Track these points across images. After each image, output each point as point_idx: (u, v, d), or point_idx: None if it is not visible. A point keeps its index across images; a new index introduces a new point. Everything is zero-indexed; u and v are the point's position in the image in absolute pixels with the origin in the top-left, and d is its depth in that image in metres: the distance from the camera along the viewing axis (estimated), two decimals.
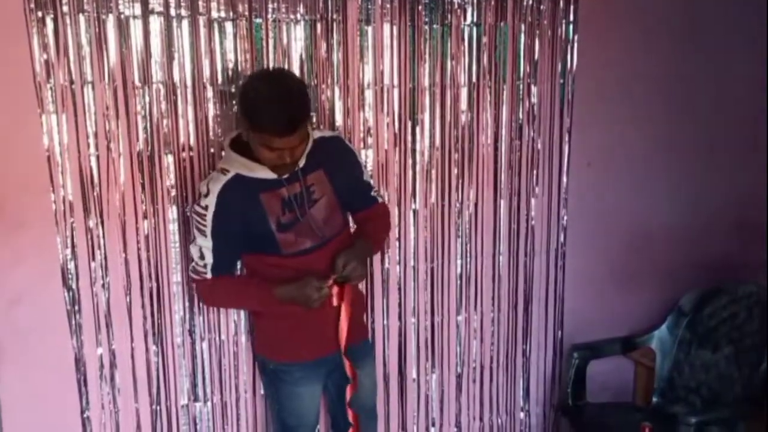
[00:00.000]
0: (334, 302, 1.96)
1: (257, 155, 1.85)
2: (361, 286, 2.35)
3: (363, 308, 2.30)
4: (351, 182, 2.10)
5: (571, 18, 2.55)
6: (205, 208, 1.89)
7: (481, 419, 2.78)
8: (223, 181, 1.88)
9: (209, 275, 1.96)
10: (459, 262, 2.62)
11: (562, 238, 2.74)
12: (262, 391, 2.43)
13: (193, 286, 2.08)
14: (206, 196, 1.89)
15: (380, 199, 2.22)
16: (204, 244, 1.92)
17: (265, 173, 1.88)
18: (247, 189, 1.89)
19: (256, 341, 2.23)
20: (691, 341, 2.66)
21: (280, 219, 1.92)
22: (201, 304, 2.32)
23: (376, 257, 2.46)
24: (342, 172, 2.06)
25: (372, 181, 2.22)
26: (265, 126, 1.75)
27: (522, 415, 2.84)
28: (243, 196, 1.89)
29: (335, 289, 1.95)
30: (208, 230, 1.90)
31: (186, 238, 2.25)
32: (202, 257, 1.94)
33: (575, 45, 2.58)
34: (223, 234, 1.91)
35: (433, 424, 2.72)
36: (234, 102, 2.20)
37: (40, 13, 2.02)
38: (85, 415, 2.29)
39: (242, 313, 2.37)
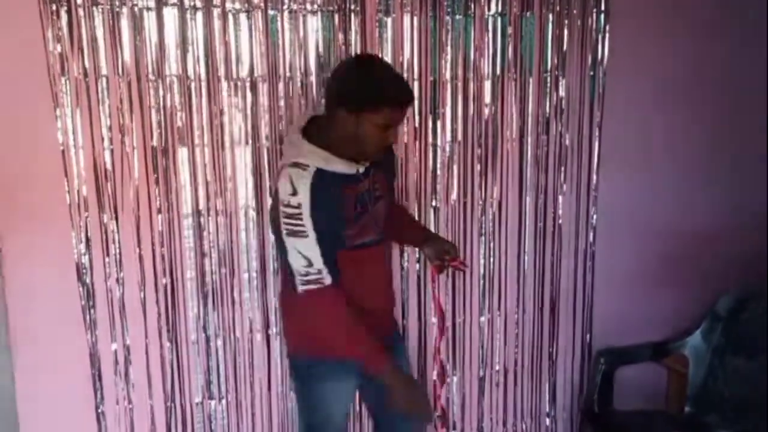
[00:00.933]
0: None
1: (363, 142, 1.80)
2: None
3: (394, 305, 2.23)
4: (392, 186, 2.16)
5: (603, 7, 2.45)
6: (298, 206, 1.76)
7: (504, 424, 2.70)
8: (309, 177, 1.78)
9: (328, 280, 1.79)
10: (482, 261, 2.54)
11: (591, 238, 2.64)
12: (277, 390, 2.41)
13: (310, 299, 1.83)
14: (294, 194, 1.76)
15: None
16: (306, 247, 1.77)
17: (345, 167, 1.83)
18: (330, 183, 1.80)
19: (291, 338, 2.10)
20: (726, 348, 2.54)
21: (354, 213, 1.87)
22: (216, 302, 2.30)
23: (396, 256, 2.41)
24: (392, 175, 2.13)
25: None
26: (390, 98, 1.76)
27: (548, 420, 2.75)
28: (328, 190, 1.80)
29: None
30: (309, 228, 1.76)
31: (199, 235, 2.23)
32: (310, 263, 1.78)
33: (606, 35, 2.47)
34: (320, 231, 1.78)
35: (455, 428, 2.65)
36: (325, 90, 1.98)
37: (54, 6, 2.00)
38: (99, 410, 2.28)
39: (257, 310, 2.34)
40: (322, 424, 2.05)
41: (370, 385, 2.03)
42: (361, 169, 1.87)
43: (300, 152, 1.82)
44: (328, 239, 1.80)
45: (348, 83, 1.79)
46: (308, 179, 1.77)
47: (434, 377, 2.24)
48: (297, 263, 1.78)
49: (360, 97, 1.76)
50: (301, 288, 1.80)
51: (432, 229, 2.44)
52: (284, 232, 1.77)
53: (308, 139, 1.83)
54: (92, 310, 2.22)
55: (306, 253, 1.77)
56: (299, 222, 1.75)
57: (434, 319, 2.51)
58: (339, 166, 1.82)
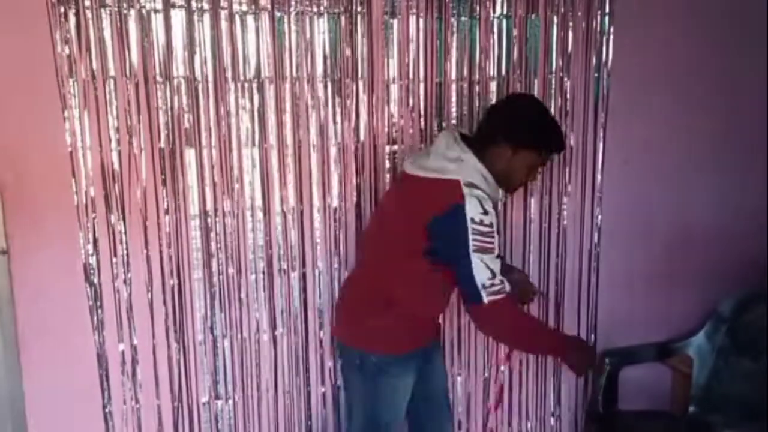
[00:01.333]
0: None
1: (514, 176, 1.97)
2: None
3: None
4: None
5: (607, 9, 2.45)
6: (491, 225, 1.83)
7: (509, 424, 2.70)
8: (485, 197, 1.85)
9: (507, 287, 1.86)
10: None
11: (596, 239, 2.63)
12: (284, 390, 2.42)
13: (493, 309, 1.85)
14: (485, 214, 1.82)
15: None
16: (492, 261, 1.84)
17: (499, 195, 1.98)
18: (495, 208, 1.90)
19: (358, 336, 2.08)
20: (731, 349, 2.54)
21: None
22: (223, 302, 2.31)
23: None
24: None
25: None
26: (558, 145, 1.99)
27: (552, 420, 2.75)
28: (496, 212, 1.90)
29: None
30: (496, 246, 1.84)
31: (207, 236, 2.24)
32: (494, 275, 1.84)
33: (611, 37, 2.47)
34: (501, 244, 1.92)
35: (460, 428, 2.66)
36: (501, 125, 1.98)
37: (62, 8, 2.02)
38: (107, 410, 2.30)
39: (264, 310, 2.35)
40: (389, 424, 2.09)
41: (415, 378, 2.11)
42: (504, 199, 2.07)
43: (470, 172, 1.88)
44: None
45: (523, 124, 1.94)
46: (489, 201, 1.85)
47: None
48: (482, 276, 1.82)
49: (532, 140, 1.92)
50: (487, 299, 1.83)
51: None
52: (472, 248, 1.81)
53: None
54: (100, 311, 2.23)
55: (491, 265, 1.83)
56: (491, 239, 1.83)
57: (440, 321, 2.53)
58: (496, 192, 1.95)
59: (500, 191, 1.99)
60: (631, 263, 2.70)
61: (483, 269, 1.82)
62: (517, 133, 1.92)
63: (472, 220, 1.80)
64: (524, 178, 2.01)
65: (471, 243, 1.80)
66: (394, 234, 1.96)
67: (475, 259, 1.81)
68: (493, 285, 1.83)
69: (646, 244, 2.70)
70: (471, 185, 1.84)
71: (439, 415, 2.26)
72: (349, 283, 2.18)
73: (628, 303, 2.72)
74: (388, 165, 2.36)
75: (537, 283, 2.58)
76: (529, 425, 2.73)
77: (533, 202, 2.53)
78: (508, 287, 1.85)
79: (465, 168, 1.88)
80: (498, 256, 1.85)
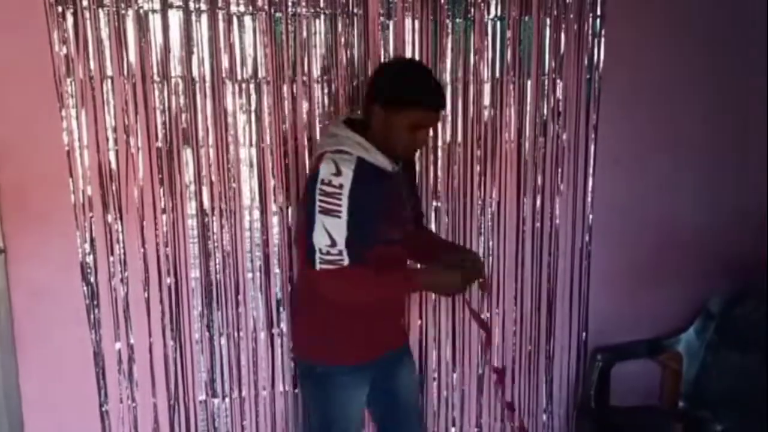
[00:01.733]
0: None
1: (394, 140, 1.86)
2: None
3: (405, 312, 2.28)
4: (416, 198, 2.20)
5: (599, 12, 2.49)
6: (339, 187, 1.77)
7: (502, 420, 2.74)
8: (353, 162, 1.82)
9: (346, 261, 1.78)
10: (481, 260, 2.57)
11: (587, 238, 2.67)
12: (281, 389, 2.43)
13: (323, 279, 1.82)
14: (337, 174, 1.78)
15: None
16: (335, 227, 1.77)
17: (384, 162, 1.88)
18: (372, 173, 1.85)
19: (301, 344, 2.10)
20: (720, 344, 2.59)
21: (387, 208, 1.91)
22: (220, 301, 2.33)
23: None
24: (415, 185, 2.21)
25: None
26: (427, 100, 1.84)
27: (544, 417, 2.79)
28: (370, 180, 1.83)
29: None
30: (344, 210, 1.77)
31: (203, 235, 2.25)
32: (333, 244, 1.77)
33: (602, 39, 2.52)
34: (357, 216, 1.79)
35: (454, 424, 2.68)
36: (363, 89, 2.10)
37: (60, 8, 2.03)
38: (103, 409, 2.30)
39: (261, 309, 2.36)
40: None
41: (376, 390, 2.07)
42: (396, 168, 1.92)
43: (343, 141, 1.87)
44: (360, 228, 1.80)
45: (386, 82, 1.88)
46: (353, 164, 1.81)
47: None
48: (321, 241, 1.77)
49: (395, 96, 1.83)
50: (319, 266, 1.79)
51: (432, 228, 2.48)
52: (318, 209, 1.77)
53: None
54: (96, 310, 2.23)
55: (333, 232, 1.77)
56: (337, 201, 1.77)
57: (435, 318, 2.56)
58: (379, 159, 1.87)
59: (391, 163, 1.91)
60: (621, 262, 2.74)
61: (323, 234, 1.77)
62: (383, 91, 1.86)
63: (322, 180, 1.78)
64: (407, 141, 1.87)
65: (317, 203, 1.78)
66: (299, 228, 1.98)
67: (318, 221, 1.77)
68: (329, 254, 1.77)
69: (636, 243, 2.75)
70: (339, 152, 1.83)
71: (408, 429, 2.21)
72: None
73: (618, 301, 2.77)
74: None
75: (530, 280, 2.63)
76: (522, 420, 2.76)
77: (526, 201, 2.56)
78: (347, 261, 1.78)
79: (338, 141, 1.87)
80: (350, 222, 1.77)
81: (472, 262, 1.96)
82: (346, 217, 1.77)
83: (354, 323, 1.96)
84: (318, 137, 2.27)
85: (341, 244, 1.78)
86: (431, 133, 2.03)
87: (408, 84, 1.84)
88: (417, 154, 2.26)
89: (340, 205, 1.77)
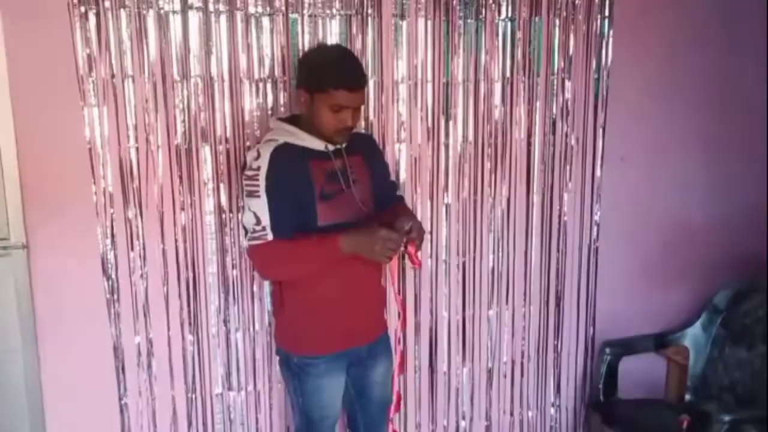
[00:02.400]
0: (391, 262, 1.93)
1: (319, 122, 1.91)
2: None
3: (383, 303, 2.24)
4: (381, 179, 2.16)
5: (607, 13, 2.55)
6: (258, 168, 1.87)
7: (511, 414, 2.78)
8: (273, 145, 1.91)
9: (270, 236, 1.87)
10: (491, 257, 2.62)
11: (594, 234, 2.72)
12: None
13: (252, 256, 1.95)
14: (257, 158, 1.88)
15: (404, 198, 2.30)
16: (258, 207, 1.86)
17: (313, 142, 1.94)
18: (296, 155, 1.92)
19: (278, 336, 2.15)
20: (726, 339, 2.64)
21: (323, 188, 1.94)
22: (237, 296, 2.37)
23: None
24: (377, 164, 2.15)
25: (396, 182, 2.28)
26: (339, 80, 1.85)
27: (552, 410, 2.83)
28: (292, 160, 1.91)
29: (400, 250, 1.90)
30: (262, 189, 1.86)
31: (221, 231, 2.30)
32: (258, 222, 1.87)
33: (610, 40, 2.57)
34: (276, 194, 1.87)
35: (463, 418, 2.73)
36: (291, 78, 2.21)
37: (83, 9, 2.07)
38: (122, 402, 2.34)
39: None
40: (322, 419, 2.10)
41: (350, 379, 2.12)
42: (331, 147, 1.95)
43: (273, 132, 1.98)
44: (287, 208, 1.88)
45: (306, 66, 1.95)
46: (272, 147, 1.90)
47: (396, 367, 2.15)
48: (248, 221, 1.88)
49: (313, 78, 1.88)
50: (246, 243, 1.91)
51: (443, 226, 2.53)
52: (244, 193, 1.89)
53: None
54: (116, 304, 2.28)
55: (256, 210, 1.87)
56: (255, 183, 1.87)
57: (445, 313, 2.61)
58: (307, 140, 1.94)
59: (323, 143, 1.94)
60: (628, 257, 2.79)
61: (248, 215, 1.88)
62: (303, 75, 1.93)
63: (244, 167, 1.93)
64: (332, 122, 1.89)
65: (244, 188, 1.90)
66: None
67: (246, 203, 1.89)
68: (255, 231, 1.87)
69: (643, 239, 2.80)
70: (267, 141, 1.94)
71: (374, 421, 2.22)
72: None
73: (626, 295, 2.82)
74: (396, 161, 2.44)
75: (539, 276, 2.67)
76: (530, 415, 2.81)
77: (535, 198, 2.61)
78: (270, 236, 1.86)
79: (271, 133, 1.98)
80: (271, 201, 1.85)
81: (401, 229, 1.88)
82: (265, 196, 1.86)
83: (325, 314, 2.00)
84: None
85: (265, 221, 1.86)
86: (361, 113, 2.06)
87: (324, 66, 1.88)
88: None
89: (258, 186, 1.87)
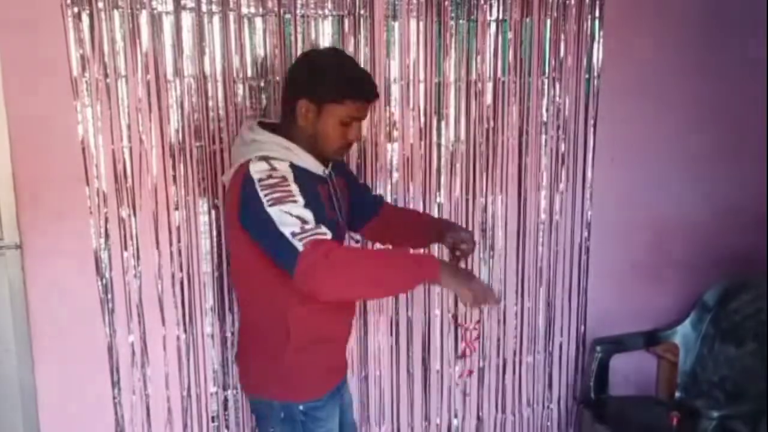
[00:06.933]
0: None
1: (324, 137, 1.71)
2: None
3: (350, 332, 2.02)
4: (357, 192, 2.04)
5: (597, 14, 2.57)
6: (283, 177, 1.60)
7: (503, 411, 2.80)
8: (286, 163, 1.66)
9: (329, 234, 1.54)
10: (483, 255, 2.64)
11: (586, 234, 2.75)
12: None
13: (314, 260, 1.49)
14: (275, 169, 1.62)
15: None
16: (297, 209, 1.55)
17: (315, 165, 1.74)
18: (306, 178, 1.67)
19: (264, 385, 1.82)
20: (715, 336, 2.67)
21: (330, 217, 1.73)
22: (232, 296, 2.37)
23: None
24: (350, 177, 2.08)
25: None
26: (360, 91, 1.69)
27: (544, 407, 2.86)
28: (306, 181, 1.66)
29: None
30: (297, 193, 1.58)
31: (216, 230, 2.31)
32: (305, 221, 1.53)
33: (601, 41, 2.59)
34: (313, 204, 1.60)
35: (456, 416, 2.75)
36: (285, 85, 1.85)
37: (76, 9, 2.07)
38: (117, 401, 2.34)
39: None
40: None
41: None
42: (327, 171, 1.79)
43: (267, 147, 1.68)
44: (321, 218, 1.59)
45: (313, 74, 1.70)
46: (286, 164, 1.66)
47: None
48: (291, 227, 1.52)
49: (324, 88, 1.68)
50: (302, 244, 1.49)
51: None
52: (267, 204, 1.55)
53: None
54: (110, 303, 2.28)
55: (300, 214, 1.54)
56: (286, 188, 1.58)
57: (437, 312, 2.62)
58: (310, 162, 1.73)
59: (321, 165, 1.76)
60: (619, 256, 2.82)
61: (289, 219, 1.53)
62: (310, 85, 1.68)
63: (259, 180, 1.59)
64: (339, 138, 1.72)
65: (264, 200, 1.56)
66: (237, 254, 1.76)
67: (275, 212, 1.54)
68: (304, 231, 1.51)
69: (633, 238, 2.83)
70: (264, 158, 1.65)
71: None
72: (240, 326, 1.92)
73: (617, 294, 2.85)
74: (389, 161, 2.45)
75: (531, 275, 2.69)
76: (521, 412, 2.83)
77: (527, 198, 2.63)
78: (329, 234, 1.53)
79: (260, 146, 1.68)
80: (309, 207, 1.56)
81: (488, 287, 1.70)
82: (302, 200, 1.57)
83: (331, 348, 1.86)
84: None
85: (312, 221, 1.54)
86: (363, 129, 1.88)
87: (339, 74, 1.68)
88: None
89: (290, 191, 1.58)
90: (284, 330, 1.74)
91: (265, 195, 1.57)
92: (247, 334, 1.89)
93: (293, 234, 1.51)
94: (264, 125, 1.76)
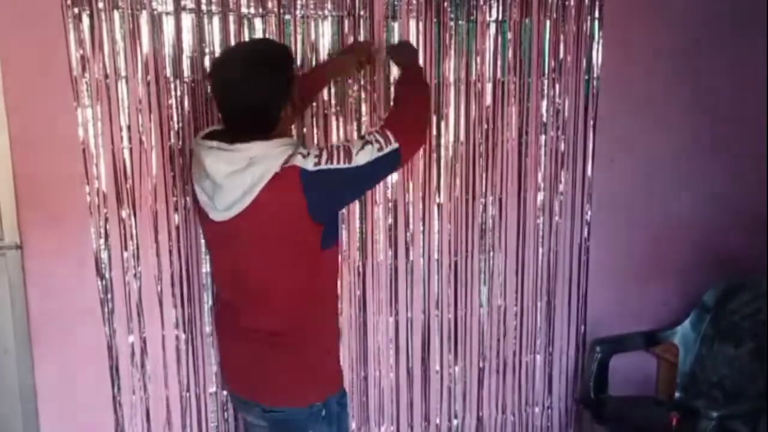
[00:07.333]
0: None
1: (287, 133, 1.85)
2: (385, 277, 2.44)
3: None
4: None
5: (597, 14, 2.57)
6: (327, 146, 1.70)
7: (503, 411, 2.80)
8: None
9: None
10: (482, 256, 2.64)
11: (585, 233, 2.75)
12: None
13: (402, 141, 1.70)
14: (314, 147, 1.85)
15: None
16: (359, 141, 1.69)
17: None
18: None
19: (310, 394, 1.79)
20: (714, 337, 2.67)
21: None
22: None
23: (401, 250, 2.52)
24: None
25: None
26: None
27: (544, 408, 2.86)
28: None
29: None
30: (342, 143, 1.76)
31: None
32: (369, 142, 1.68)
33: (600, 41, 2.59)
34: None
35: (456, 416, 2.75)
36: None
37: (76, 10, 2.08)
38: (117, 401, 2.35)
39: None
40: None
41: None
42: None
43: (282, 149, 1.63)
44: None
45: (284, 71, 1.69)
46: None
47: None
48: (374, 153, 1.66)
49: (292, 82, 1.70)
50: (394, 140, 1.69)
51: (435, 225, 2.55)
52: (346, 162, 1.62)
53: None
54: (110, 303, 2.29)
55: (362, 145, 1.67)
56: (339, 148, 1.65)
57: (437, 312, 2.62)
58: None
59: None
60: (619, 256, 2.82)
61: (368, 148, 1.66)
62: (282, 85, 1.66)
63: (319, 162, 1.61)
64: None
65: (343, 165, 1.62)
66: (290, 271, 1.70)
67: (359, 159, 1.64)
68: (378, 141, 1.68)
69: (633, 238, 2.82)
70: (296, 153, 1.62)
71: None
72: (253, 339, 1.77)
73: (616, 294, 2.84)
74: None
75: (531, 275, 2.70)
76: (521, 412, 2.83)
77: (527, 198, 2.63)
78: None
79: (275, 153, 1.62)
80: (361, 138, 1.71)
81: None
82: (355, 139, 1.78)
83: (336, 348, 1.94)
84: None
85: (370, 137, 1.70)
86: None
87: (291, 61, 1.76)
88: None
89: (343, 145, 1.67)
90: (324, 338, 1.84)
91: (338, 161, 1.62)
92: (283, 354, 1.76)
93: (380, 149, 1.67)
94: (234, 138, 1.64)
